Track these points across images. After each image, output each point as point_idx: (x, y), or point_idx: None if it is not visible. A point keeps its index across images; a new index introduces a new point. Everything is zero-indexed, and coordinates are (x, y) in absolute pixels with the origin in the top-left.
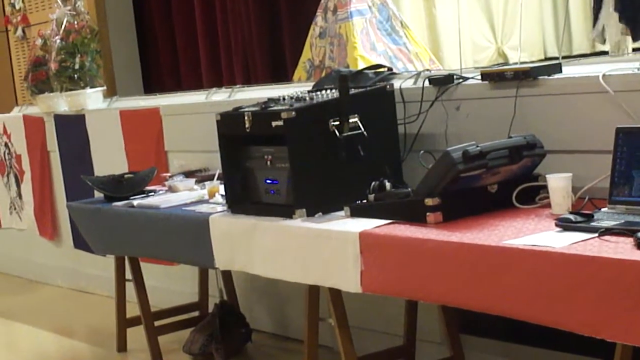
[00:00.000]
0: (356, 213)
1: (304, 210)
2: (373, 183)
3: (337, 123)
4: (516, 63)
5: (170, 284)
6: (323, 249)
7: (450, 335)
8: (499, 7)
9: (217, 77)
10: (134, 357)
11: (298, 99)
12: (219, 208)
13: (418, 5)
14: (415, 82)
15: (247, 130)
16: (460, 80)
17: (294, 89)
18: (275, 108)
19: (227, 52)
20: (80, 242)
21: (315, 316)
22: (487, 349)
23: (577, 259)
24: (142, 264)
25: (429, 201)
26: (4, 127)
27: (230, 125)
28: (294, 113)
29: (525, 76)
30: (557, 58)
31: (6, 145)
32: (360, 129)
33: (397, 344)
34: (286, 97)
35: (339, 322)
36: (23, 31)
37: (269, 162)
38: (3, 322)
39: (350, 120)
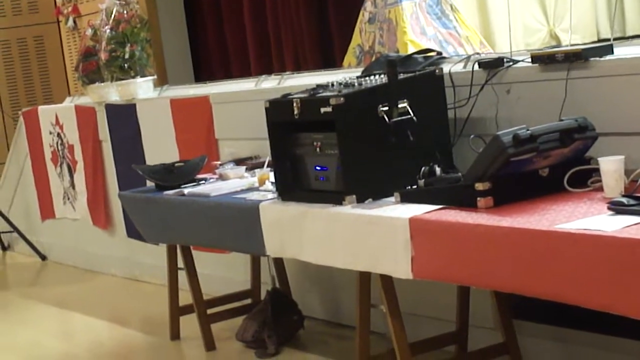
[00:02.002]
0: (406, 199)
1: (354, 196)
2: (423, 168)
3: (386, 108)
4: (567, 45)
5: (222, 271)
6: (373, 235)
7: (503, 320)
8: None
9: (267, 65)
10: (187, 345)
11: (347, 85)
12: (269, 195)
13: None
14: (465, 66)
15: (296, 117)
16: (510, 63)
17: (344, 75)
18: (323, 94)
19: (277, 39)
20: (133, 231)
21: (367, 303)
22: (540, 334)
23: (629, 242)
24: (194, 252)
25: (479, 186)
26: (57, 117)
27: (279, 112)
28: (342, 99)
29: (576, 58)
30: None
31: (59, 135)
32: (410, 114)
33: (449, 330)
34: (335, 84)
35: (391, 308)
36: (74, 22)
37: (318, 149)
38: (58, 312)
39: (399, 106)
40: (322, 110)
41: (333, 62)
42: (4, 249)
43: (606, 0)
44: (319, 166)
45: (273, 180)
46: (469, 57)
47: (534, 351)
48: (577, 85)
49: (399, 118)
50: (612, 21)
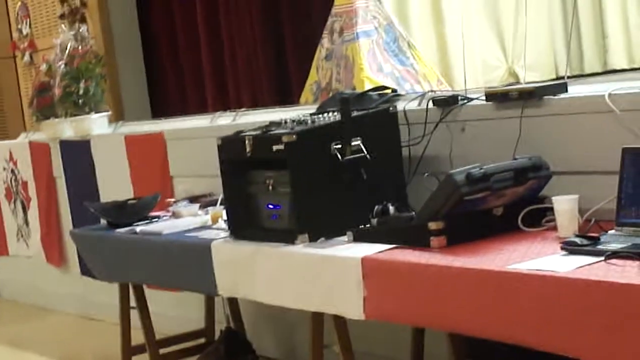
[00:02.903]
0: (359, 238)
1: (306, 235)
2: (376, 207)
3: (339, 146)
4: (523, 83)
5: (176, 310)
6: (325, 275)
7: None
8: (509, 26)
9: (224, 101)
10: None
11: (300, 122)
12: (222, 234)
13: (427, 25)
14: (419, 104)
15: (248, 155)
16: (465, 100)
17: (299, 112)
18: (276, 132)
19: (234, 75)
20: (86, 269)
21: (320, 343)
22: None
23: (582, 283)
24: (148, 291)
25: (432, 225)
26: (10, 153)
27: (231, 149)
28: (294, 136)
29: (530, 96)
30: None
31: (12, 171)
32: (363, 152)
33: None
34: (288, 121)
35: (344, 349)
36: (30, 57)
37: (270, 187)
38: (11, 351)
39: (353, 144)
40: (275, 147)
41: (291, 98)
42: None
43: (564, 39)
44: (271, 204)
45: (226, 218)
46: (423, 95)
47: None
48: (532, 123)
49: (353, 156)
50: (568, 59)
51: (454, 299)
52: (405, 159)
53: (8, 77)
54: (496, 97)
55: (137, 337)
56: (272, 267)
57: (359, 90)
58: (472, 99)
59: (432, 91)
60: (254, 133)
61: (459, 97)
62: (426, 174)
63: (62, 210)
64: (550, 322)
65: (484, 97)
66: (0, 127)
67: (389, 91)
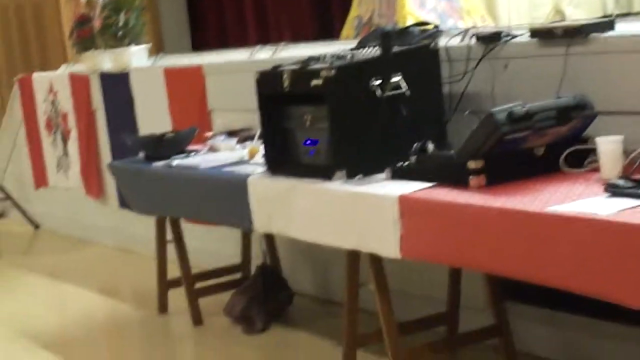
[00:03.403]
0: (397, 175)
1: (344, 172)
2: (415, 145)
3: (378, 82)
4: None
5: (213, 244)
6: (362, 212)
7: (494, 302)
8: None
9: (265, 35)
10: (175, 319)
11: (339, 57)
12: (259, 169)
13: None
14: (462, 40)
15: (286, 89)
16: (508, 37)
17: (339, 47)
18: (314, 66)
19: (275, 8)
20: (125, 202)
21: (355, 281)
22: (532, 317)
23: (624, 226)
24: (185, 225)
25: (471, 164)
26: (51, 85)
27: (269, 84)
28: (333, 71)
29: (576, 34)
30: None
31: (53, 103)
32: (403, 88)
33: (440, 309)
34: (327, 56)
35: (379, 287)
36: None
37: (308, 123)
38: (49, 282)
39: (393, 80)
40: (313, 82)
41: (332, 33)
42: None
43: None
44: (309, 140)
45: (263, 154)
46: (466, 31)
47: (525, 334)
48: (576, 62)
49: (392, 92)
50: None
51: (492, 239)
52: (446, 96)
53: (50, 8)
54: (541, 34)
55: (174, 270)
56: (308, 204)
57: (400, 26)
58: (516, 36)
59: (475, 27)
60: (292, 67)
61: (503, 34)
62: (467, 112)
63: (102, 143)
64: (589, 266)
65: (528, 34)
66: (42, 58)
67: (431, 27)
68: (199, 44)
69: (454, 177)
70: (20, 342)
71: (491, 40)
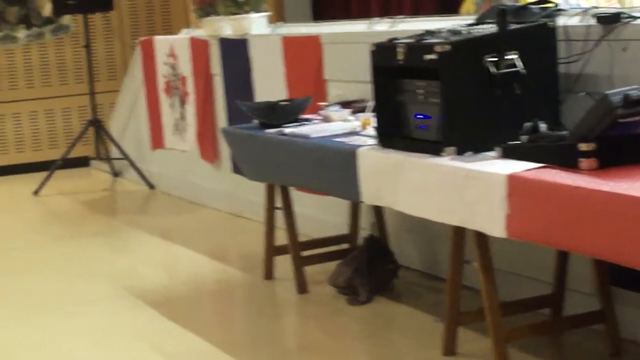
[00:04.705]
0: (507, 154)
1: (454, 148)
2: (527, 124)
3: (493, 59)
4: None
5: (321, 213)
6: (470, 189)
7: (601, 287)
8: None
9: (385, 6)
10: (280, 286)
11: (455, 33)
12: (370, 141)
13: None
14: (581, 20)
15: (400, 63)
16: (629, 19)
17: (457, 22)
18: (430, 41)
19: None
20: (238, 167)
21: (460, 258)
22: (638, 304)
23: None
24: (294, 192)
25: (583, 146)
26: (172, 48)
27: (383, 56)
28: (448, 47)
29: None
30: None
31: (173, 66)
32: (518, 66)
33: (544, 292)
34: (444, 30)
35: (483, 266)
36: None
37: (421, 97)
38: (161, 242)
39: (508, 57)
40: (427, 57)
41: (453, 8)
42: (115, 175)
43: None
44: (420, 114)
45: (375, 126)
46: (586, 11)
47: (631, 322)
48: None
49: (507, 70)
50: None
51: (600, 223)
52: (561, 76)
53: None
54: None
55: (281, 237)
56: (416, 178)
57: (519, 3)
58: (637, 18)
59: (596, 7)
60: (407, 41)
61: (623, 15)
62: (583, 93)
63: (218, 107)
64: None
65: None
66: (165, 22)
67: (551, 5)
68: (319, 14)
69: (565, 158)
70: (127, 299)
71: (611, 21)
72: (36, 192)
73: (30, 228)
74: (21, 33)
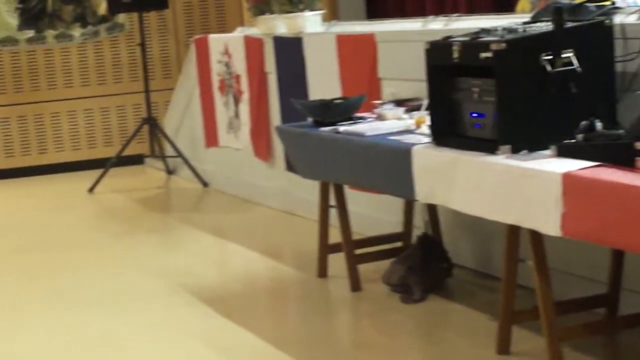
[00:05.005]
0: (563, 153)
1: (509, 146)
2: (583, 122)
3: (549, 57)
4: None
5: (375, 211)
6: (524, 188)
7: None
8: None
9: (441, 5)
10: (334, 284)
11: (511, 31)
12: (424, 139)
13: None
14: (638, 18)
15: (455, 61)
16: None
17: (513, 20)
18: (485, 39)
19: None
20: (291, 165)
21: (515, 256)
22: None
23: None
24: (348, 191)
25: (639, 145)
26: (226, 47)
27: (438, 54)
28: (503, 45)
29: None
30: None
31: (227, 64)
32: (574, 64)
33: (599, 292)
34: (499, 29)
35: (538, 265)
36: None
37: (476, 95)
38: (215, 240)
39: (564, 55)
40: (482, 55)
41: (508, 6)
42: (169, 172)
43: None
44: (475, 113)
45: (429, 124)
46: None
47: None
48: None
49: (562, 68)
50: None
51: None
52: (618, 74)
53: None
54: None
55: (335, 235)
56: (471, 176)
57: (576, 1)
58: None
59: None
60: (462, 39)
61: None
62: (639, 92)
63: (272, 105)
64: None
65: None
66: (219, 20)
67: (608, 3)
68: (373, 14)
69: (621, 157)
70: (181, 296)
71: None
72: (91, 190)
73: (85, 225)
74: (76, 31)
